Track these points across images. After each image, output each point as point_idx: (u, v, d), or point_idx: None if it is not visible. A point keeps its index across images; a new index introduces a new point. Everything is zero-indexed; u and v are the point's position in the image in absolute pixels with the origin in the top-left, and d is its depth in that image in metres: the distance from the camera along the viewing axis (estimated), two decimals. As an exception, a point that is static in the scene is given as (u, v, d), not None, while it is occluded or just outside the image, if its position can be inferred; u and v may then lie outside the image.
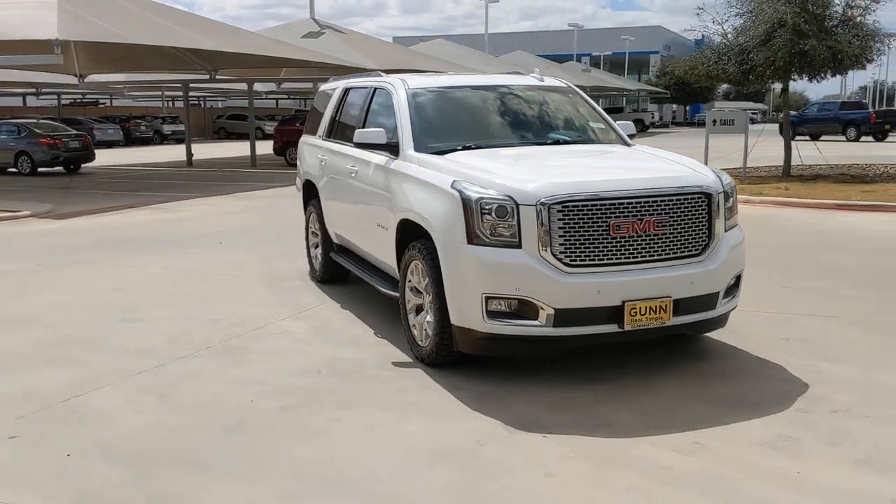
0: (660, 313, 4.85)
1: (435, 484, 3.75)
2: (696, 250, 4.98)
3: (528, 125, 6.41)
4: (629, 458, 3.97)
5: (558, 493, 3.65)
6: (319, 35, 28.48)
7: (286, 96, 51.60)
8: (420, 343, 5.46)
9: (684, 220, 4.95)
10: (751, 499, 3.55)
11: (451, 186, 4.99)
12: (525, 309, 4.76)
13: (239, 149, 32.97)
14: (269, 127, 40.85)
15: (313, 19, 31.50)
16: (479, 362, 5.27)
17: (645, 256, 4.84)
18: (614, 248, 4.78)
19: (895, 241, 10.53)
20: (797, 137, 33.47)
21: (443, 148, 5.81)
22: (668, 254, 4.90)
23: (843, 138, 38.34)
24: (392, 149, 5.99)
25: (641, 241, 4.83)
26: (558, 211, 4.70)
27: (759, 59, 17.40)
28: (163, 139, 45.24)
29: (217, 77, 26.17)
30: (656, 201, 4.87)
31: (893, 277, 8.10)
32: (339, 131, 7.44)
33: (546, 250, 4.70)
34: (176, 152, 32.65)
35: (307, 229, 8.31)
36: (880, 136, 38.80)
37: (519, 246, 4.74)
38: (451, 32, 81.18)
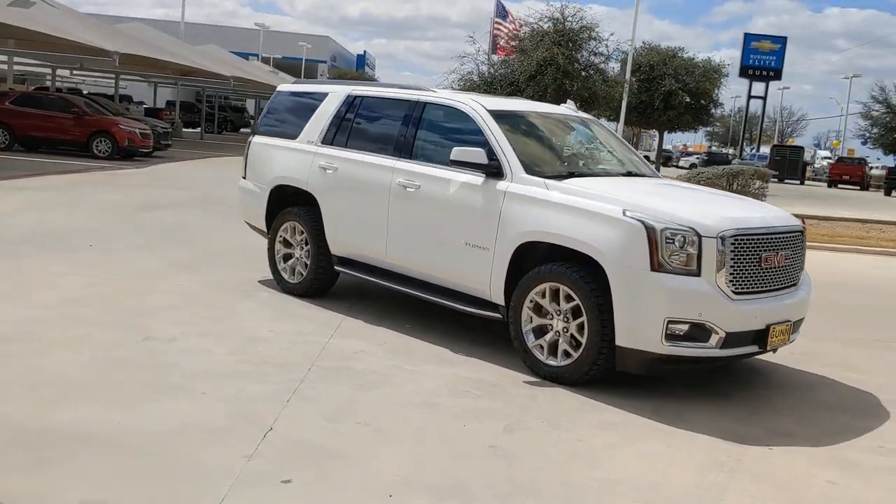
0: (785, 335, 5.61)
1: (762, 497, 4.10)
2: (796, 280, 5.82)
3: (597, 155, 6.82)
4: (842, 460, 4.64)
5: (857, 497, 4.21)
6: (30, 5, 25.17)
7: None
8: (548, 363, 5.62)
9: (796, 254, 5.78)
10: None
11: (625, 215, 5.28)
12: (698, 332, 5.22)
13: None
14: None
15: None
16: (607, 378, 5.55)
17: (777, 285, 5.58)
18: (762, 278, 5.46)
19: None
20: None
21: (550, 173, 6.04)
22: (787, 283, 5.69)
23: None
24: (490, 169, 6.02)
25: (777, 271, 5.57)
26: (731, 244, 5.25)
27: (530, 93, 19.16)
28: None
29: None
30: (787, 237, 5.65)
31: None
32: (358, 140, 7.14)
33: (721, 279, 5.21)
34: None
35: (274, 240, 7.77)
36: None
37: (698, 274, 5.19)
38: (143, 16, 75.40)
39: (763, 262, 5.44)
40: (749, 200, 6.53)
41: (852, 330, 8.10)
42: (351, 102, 7.35)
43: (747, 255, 5.35)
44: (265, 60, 62.51)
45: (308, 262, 7.46)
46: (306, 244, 7.49)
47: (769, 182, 18.54)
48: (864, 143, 65.85)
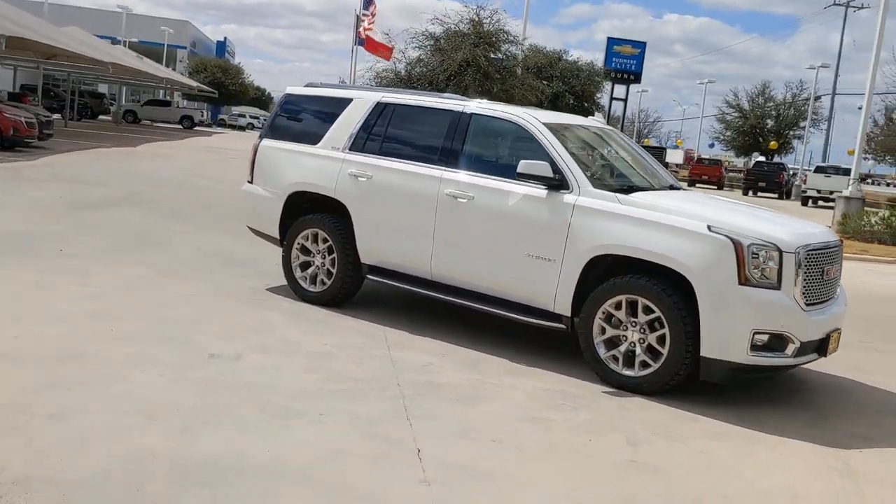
0: (837, 342, 6.02)
1: None
2: (837, 292, 6.26)
3: (641, 167, 7.05)
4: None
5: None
6: None
7: None
8: (624, 373, 5.78)
9: (840, 266, 6.21)
10: None
11: (711, 231, 5.51)
12: (777, 342, 5.53)
13: None
14: None
15: None
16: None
17: (829, 297, 5.98)
18: (823, 290, 5.84)
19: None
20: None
21: (616, 186, 6.21)
22: (835, 294, 6.11)
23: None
24: (553, 182, 6.11)
25: (830, 283, 5.98)
26: (805, 258, 5.58)
27: (451, 92, 19.26)
28: None
29: None
30: (836, 251, 6.09)
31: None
32: (393, 149, 7.05)
33: (797, 291, 5.54)
34: None
35: (290, 248, 7.53)
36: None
37: (779, 288, 5.49)
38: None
39: (825, 274, 5.82)
40: (790, 216, 6.90)
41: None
42: (382, 110, 7.23)
43: (815, 268, 5.71)
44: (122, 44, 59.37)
45: (333, 271, 7.28)
46: (330, 252, 7.31)
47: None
48: (710, 146, 70.39)
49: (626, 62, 53.23)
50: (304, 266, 7.53)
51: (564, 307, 6.08)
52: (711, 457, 4.77)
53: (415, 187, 6.79)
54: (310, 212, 7.52)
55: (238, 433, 4.34)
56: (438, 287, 6.80)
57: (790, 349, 5.55)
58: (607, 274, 5.95)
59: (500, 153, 6.86)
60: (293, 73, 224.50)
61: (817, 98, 54.69)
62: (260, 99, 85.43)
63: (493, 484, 4.08)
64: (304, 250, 7.51)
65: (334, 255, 7.28)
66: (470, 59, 18.93)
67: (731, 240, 5.45)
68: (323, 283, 7.40)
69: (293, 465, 4.02)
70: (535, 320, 6.26)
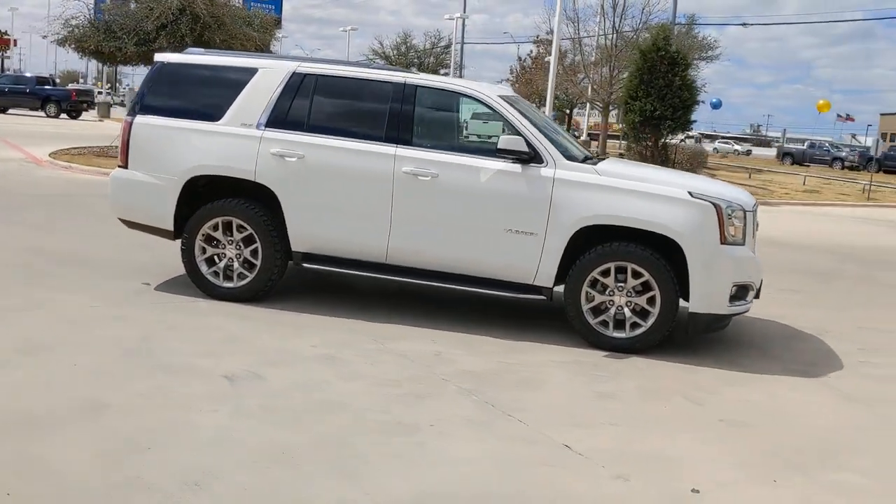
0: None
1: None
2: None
3: (566, 136, 7.24)
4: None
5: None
6: None
7: None
8: (616, 336, 6.11)
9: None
10: None
11: (693, 197, 5.99)
12: (742, 292, 6.22)
13: None
14: None
15: None
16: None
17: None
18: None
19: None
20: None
21: (580, 157, 6.43)
22: (752, 243, 6.99)
23: (42, 114, 38.35)
24: (525, 156, 6.15)
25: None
26: (753, 215, 6.33)
27: (163, 43, 17.64)
28: None
29: None
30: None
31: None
32: (325, 125, 6.47)
33: (753, 244, 6.29)
34: None
35: (193, 241, 6.63)
36: (75, 115, 39.93)
37: (743, 243, 6.17)
38: None
39: (756, 228, 6.62)
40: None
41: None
42: (301, 81, 6.57)
43: (755, 223, 6.48)
44: None
45: (257, 262, 6.57)
46: (249, 242, 6.58)
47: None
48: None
49: (265, 6, 52.27)
50: (212, 260, 6.69)
51: (546, 279, 6.20)
52: (772, 403, 5.31)
53: (364, 166, 6.34)
54: (211, 198, 6.66)
55: (395, 464, 3.92)
56: (390, 269, 6.50)
57: (750, 296, 6.29)
58: (586, 244, 6.16)
59: (456, 128, 6.66)
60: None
61: (446, 47, 58.25)
62: None
63: (679, 465, 4.18)
64: (210, 241, 6.66)
65: (256, 244, 6.55)
66: (186, 5, 17.39)
67: (714, 204, 5.97)
68: (242, 276, 6.64)
69: (497, 488, 3.76)
70: (512, 294, 6.30)
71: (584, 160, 6.46)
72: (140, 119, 6.74)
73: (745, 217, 6.13)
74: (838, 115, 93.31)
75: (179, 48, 17.46)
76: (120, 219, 7.02)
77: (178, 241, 6.72)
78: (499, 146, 6.08)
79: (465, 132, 7.15)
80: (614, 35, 34.18)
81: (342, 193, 6.40)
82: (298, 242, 6.53)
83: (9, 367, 4.78)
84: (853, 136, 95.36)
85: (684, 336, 6.35)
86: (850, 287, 9.91)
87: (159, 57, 7.01)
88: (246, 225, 6.54)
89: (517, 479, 3.88)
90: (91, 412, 4.22)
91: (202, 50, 7.27)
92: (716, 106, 30.81)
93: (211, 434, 4.06)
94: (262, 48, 19.55)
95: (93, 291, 6.61)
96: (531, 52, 51.78)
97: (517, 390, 5.12)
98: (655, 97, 22.66)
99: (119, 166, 6.83)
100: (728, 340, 6.69)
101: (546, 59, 43.10)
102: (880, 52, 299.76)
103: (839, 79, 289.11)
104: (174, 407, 4.37)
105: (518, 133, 6.20)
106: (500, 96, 6.48)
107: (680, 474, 4.08)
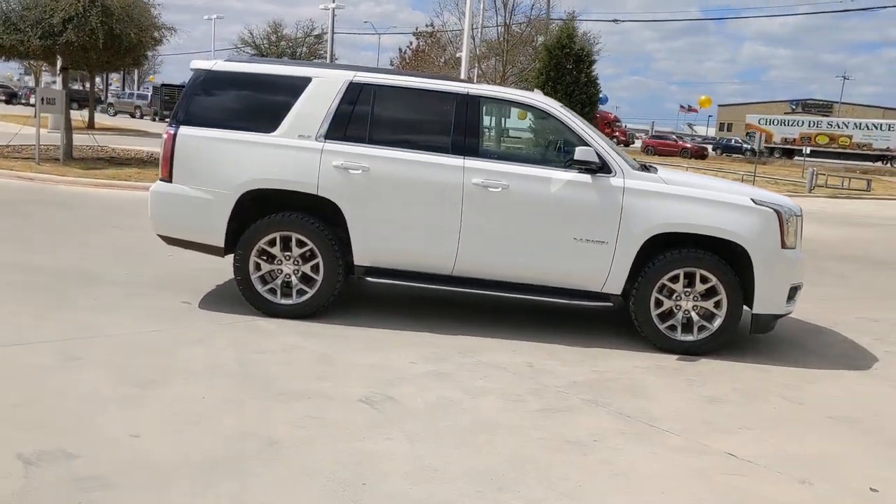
0: (786, 283, 7.34)
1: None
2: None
3: (612, 144, 7.38)
4: None
5: None
6: None
7: None
8: (685, 340, 6.36)
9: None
10: None
11: (756, 204, 6.30)
12: (794, 292, 6.57)
13: None
14: None
15: None
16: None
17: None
18: (795, 243, 7.06)
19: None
20: None
21: (637, 166, 6.61)
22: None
23: None
24: (595, 166, 6.28)
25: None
26: (798, 220, 6.73)
27: (72, 37, 16.56)
28: None
29: None
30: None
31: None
32: (387, 137, 6.36)
33: (800, 248, 6.67)
34: None
35: (247, 258, 6.37)
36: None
37: (795, 247, 6.55)
38: None
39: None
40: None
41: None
42: (359, 92, 6.41)
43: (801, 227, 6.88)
44: None
45: (318, 278, 6.38)
46: (309, 258, 6.39)
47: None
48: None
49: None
50: (265, 278, 6.45)
51: (616, 286, 6.36)
52: (856, 394, 5.68)
53: (432, 178, 6.27)
54: (264, 213, 6.42)
55: (603, 482, 3.96)
56: (456, 280, 6.48)
57: (797, 295, 6.68)
58: (652, 251, 6.36)
59: (524, 139, 6.67)
60: None
61: (318, 36, 57.50)
62: None
63: (837, 465, 4.42)
64: (268, 258, 6.42)
65: (317, 259, 6.37)
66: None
67: (775, 210, 6.30)
68: (301, 292, 6.44)
69: (713, 499, 3.88)
70: (578, 301, 6.41)
71: (642, 169, 6.64)
72: (185, 130, 6.38)
73: (797, 222, 6.50)
74: (680, 106, 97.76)
75: (90, 41, 16.61)
76: (160, 235, 6.63)
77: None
78: (575, 157, 6.17)
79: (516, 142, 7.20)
80: (505, 30, 34.76)
81: (410, 206, 6.31)
82: (362, 256, 6.40)
83: (138, 404, 4.46)
84: (690, 125, 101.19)
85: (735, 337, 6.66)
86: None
87: (199, 64, 6.64)
88: (306, 240, 6.34)
89: (721, 490, 4.00)
90: (269, 449, 4.02)
91: (246, 57, 6.96)
92: (602, 101, 31.97)
93: (412, 465, 3.96)
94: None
95: (133, 312, 6.24)
96: (411, 43, 51.99)
97: (633, 399, 5.25)
98: (563, 94, 23.26)
99: (161, 179, 6.45)
100: (761, 337, 7.06)
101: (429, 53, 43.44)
102: (711, 47, 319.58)
103: (677, 71, 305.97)
104: (346, 437, 4.23)
105: (586, 144, 6.31)
106: (561, 106, 6.56)
107: (847, 474, 4.32)
